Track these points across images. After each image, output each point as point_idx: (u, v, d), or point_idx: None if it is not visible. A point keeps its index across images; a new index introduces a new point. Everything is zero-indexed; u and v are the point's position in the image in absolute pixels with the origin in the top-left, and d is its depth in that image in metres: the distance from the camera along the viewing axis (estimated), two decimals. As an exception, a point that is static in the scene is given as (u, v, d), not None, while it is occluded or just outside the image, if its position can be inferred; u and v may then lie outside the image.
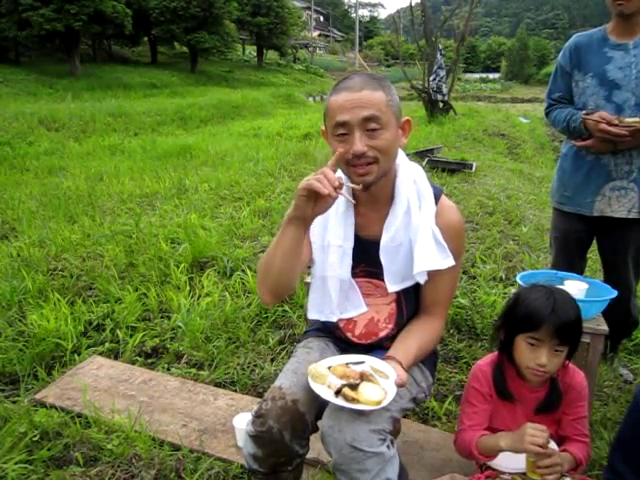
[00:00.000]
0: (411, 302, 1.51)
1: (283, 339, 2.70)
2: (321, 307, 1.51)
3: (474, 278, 3.42)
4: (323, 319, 1.51)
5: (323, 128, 1.45)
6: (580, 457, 1.45)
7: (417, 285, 1.48)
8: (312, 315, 1.54)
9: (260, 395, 2.29)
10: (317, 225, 1.49)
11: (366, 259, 1.47)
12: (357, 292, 1.50)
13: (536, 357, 1.41)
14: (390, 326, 1.52)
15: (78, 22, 16.65)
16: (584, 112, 2.07)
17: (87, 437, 1.96)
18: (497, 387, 1.54)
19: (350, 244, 1.46)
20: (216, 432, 2.01)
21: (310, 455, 1.46)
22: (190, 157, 7.72)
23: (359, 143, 1.30)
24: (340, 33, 62.76)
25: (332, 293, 1.47)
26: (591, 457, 1.78)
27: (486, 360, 1.60)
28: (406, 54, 32.40)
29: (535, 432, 1.35)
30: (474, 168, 6.93)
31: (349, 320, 1.53)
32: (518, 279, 1.97)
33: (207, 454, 1.89)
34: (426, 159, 6.99)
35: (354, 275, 1.49)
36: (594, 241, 2.35)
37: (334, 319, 1.51)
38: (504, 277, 3.43)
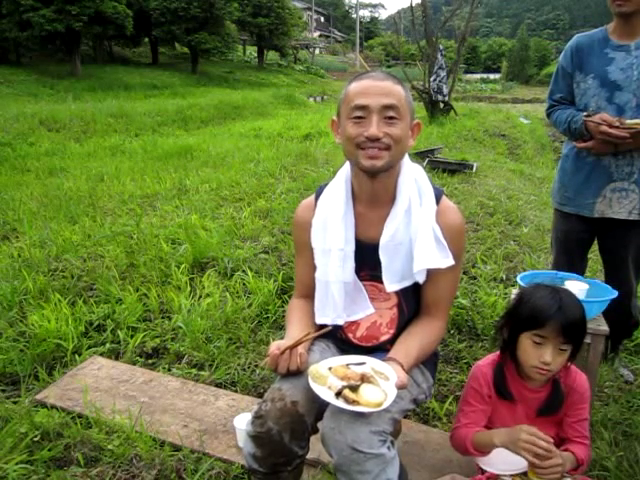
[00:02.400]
0: (411, 306, 1.51)
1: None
2: (326, 311, 1.51)
3: (475, 279, 3.42)
4: (330, 323, 1.50)
5: (334, 118, 1.46)
6: (581, 457, 1.45)
7: (417, 288, 1.48)
8: (319, 319, 1.53)
9: (261, 396, 2.29)
10: (318, 229, 1.50)
11: (368, 263, 1.47)
12: (364, 294, 1.50)
13: (540, 355, 1.41)
14: (391, 331, 1.52)
15: (79, 23, 16.68)
16: (585, 114, 2.08)
17: (88, 437, 1.96)
18: (497, 387, 1.54)
19: (351, 247, 1.46)
20: (217, 432, 2.01)
21: (311, 455, 1.46)
22: (191, 158, 7.72)
23: (375, 127, 1.32)
24: (341, 34, 62.80)
25: (336, 297, 1.47)
26: (591, 458, 1.78)
27: (486, 360, 1.60)
28: (407, 55, 32.42)
29: (530, 439, 1.34)
30: (475, 169, 6.94)
31: (353, 321, 1.53)
32: (519, 280, 1.97)
33: (208, 454, 1.89)
34: (427, 159, 6.99)
35: (359, 279, 1.49)
36: (595, 241, 2.35)
37: (341, 322, 1.51)
38: (505, 278, 3.43)
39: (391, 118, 1.33)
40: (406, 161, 1.47)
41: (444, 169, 6.80)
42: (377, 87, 1.34)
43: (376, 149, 1.33)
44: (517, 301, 1.51)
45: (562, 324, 1.38)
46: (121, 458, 1.88)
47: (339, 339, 1.57)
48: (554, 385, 1.51)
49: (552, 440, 1.37)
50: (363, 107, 1.33)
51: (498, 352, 1.59)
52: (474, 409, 1.55)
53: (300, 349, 1.37)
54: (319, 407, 1.35)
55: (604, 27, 2.16)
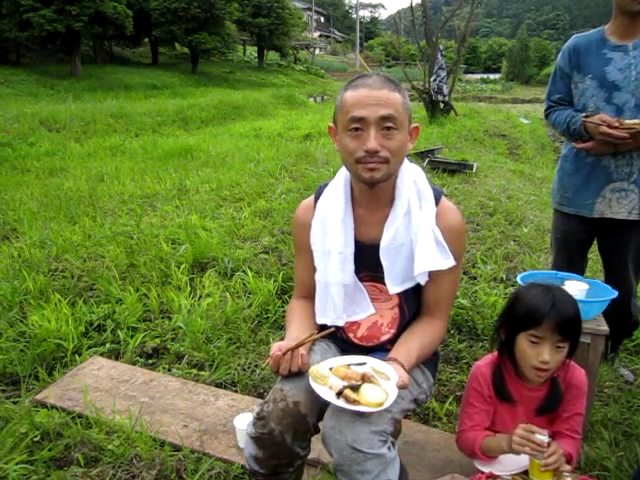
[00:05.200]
0: (412, 306, 1.52)
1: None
2: (326, 312, 1.51)
3: (475, 279, 3.42)
4: (330, 323, 1.51)
5: (331, 124, 1.44)
6: (569, 451, 1.45)
7: (417, 288, 1.48)
8: (319, 320, 1.53)
9: (261, 395, 2.29)
10: (317, 232, 1.50)
11: (368, 264, 1.47)
12: (364, 295, 1.50)
13: (538, 354, 1.41)
14: (392, 331, 1.52)
15: (79, 23, 16.65)
16: (584, 114, 2.07)
17: (88, 437, 1.96)
18: (496, 388, 1.54)
19: (351, 250, 1.46)
20: (217, 433, 2.01)
21: (311, 455, 1.46)
22: (191, 158, 7.72)
23: (374, 141, 1.30)
24: (341, 34, 62.75)
25: (336, 298, 1.47)
26: (584, 456, 1.79)
27: (485, 361, 1.60)
28: (407, 55, 32.44)
29: (524, 434, 1.36)
30: (475, 169, 6.94)
31: (354, 322, 1.53)
32: (519, 280, 1.97)
33: (208, 454, 1.90)
34: (427, 160, 6.99)
35: (360, 280, 1.49)
36: (595, 241, 2.35)
37: (341, 323, 1.51)
38: (505, 278, 3.44)
39: (389, 129, 1.31)
40: (405, 163, 1.46)
41: (444, 169, 6.80)
42: (374, 97, 1.30)
43: (375, 162, 1.32)
44: (512, 302, 1.51)
45: (557, 322, 1.38)
46: (121, 458, 1.88)
47: (340, 339, 1.57)
48: (553, 383, 1.52)
49: (546, 433, 1.37)
50: (360, 119, 1.31)
51: (496, 352, 1.59)
52: (477, 410, 1.56)
53: (301, 350, 1.37)
54: (321, 407, 1.35)
55: (601, 27, 2.16)
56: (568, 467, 1.39)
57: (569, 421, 1.52)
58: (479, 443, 1.50)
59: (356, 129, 1.32)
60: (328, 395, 1.24)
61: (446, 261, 1.41)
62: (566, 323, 1.39)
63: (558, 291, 1.46)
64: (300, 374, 1.36)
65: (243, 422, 1.86)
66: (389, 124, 1.31)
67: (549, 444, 1.35)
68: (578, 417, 1.53)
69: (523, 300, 1.46)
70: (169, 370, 2.49)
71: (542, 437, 1.35)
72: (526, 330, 1.43)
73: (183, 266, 3.44)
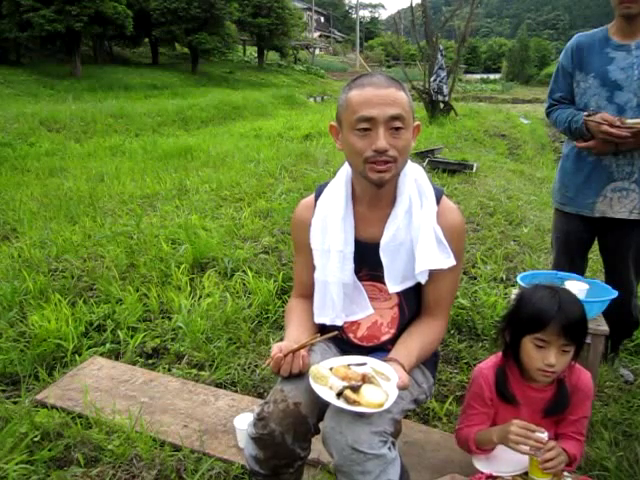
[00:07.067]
0: (412, 305, 1.51)
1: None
2: (325, 311, 1.50)
3: (475, 279, 3.42)
4: (329, 323, 1.50)
5: (333, 123, 1.43)
6: (574, 453, 1.45)
7: (417, 288, 1.48)
8: (318, 319, 1.52)
9: (261, 396, 2.29)
10: (317, 230, 1.49)
11: (368, 263, 1.46)
12: (363, 294, 1.49)
13: (544, 357, 1.39)
14: (392, 331, 1.52)
15: (79, 23, 16.67)
16: (585, 113, 2.07)
17: (88, 438, 1.96)
18: (499, 391, 1.53)
19: (351, 248, 1.45)
20: (217, 433, 2.01)
21: (311, 456, 1.46)
22: (191, 158, 7.71)
23: (383, 140, 1.29)
24: (341, 34, 62.76)
25: (335, 297, 1.47)
26: (584, 456, 1.78)
27: (488, 363, 1.59)
28: (407, 55, 32.47)
29: (521, 431, 1.35)
30: (475, 169, 6.94)
31: (353, 322, 1.53)
32: (519, 280, 1.97)
33: (208, 454, 1.89)
34: (427, 160, 6.99)
35: (359, 279, 1.48)
36: (595, 241, 2.35)
37: (340, 323, 1.50)
38: (505, 278, 3.43)
39: (397, 129, 1.30)
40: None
41: (444, 169, 6.80)
42: (382, 96, 1.29)
43: (383, 164, 1.31)
44: (517, 303, 1.49)
45: (563, 325, 1.36)
46: (121, 458, 1.88)
47: (340, 339, 1.57)
48: (559, 384, 1.50)
49: (545, 431, 1.37)
50: (369, 119, 1.30)
51: (499, 354, 1.58)
52: (476, 412, 1.55)
53: (302, 351, 1.37)
54: (322, 407, 1.34)
55: (605, 27, 2.16)
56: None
57: (575, 424, 1.50)
58: (472, 438, 1.50)
59: (364, 129, 1.31)
60: (328, 395, 1.23)
61: (447, 260, 1.41)
62: (572, 326, 1.37)
63: (564, 293, 1.43)
64: (301, 375, 1.36)
65: (243, 422, 1.86)
66: (398, 124, 1.30)
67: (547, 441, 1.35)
68: (584, 420, 1.52)
69: (528, 303, 1.43)
70: (169, 370, 2.49)
71: (541, 435, 1.35)
72: (532, 333, 1.40)
73: (183, 266, 3.43)
